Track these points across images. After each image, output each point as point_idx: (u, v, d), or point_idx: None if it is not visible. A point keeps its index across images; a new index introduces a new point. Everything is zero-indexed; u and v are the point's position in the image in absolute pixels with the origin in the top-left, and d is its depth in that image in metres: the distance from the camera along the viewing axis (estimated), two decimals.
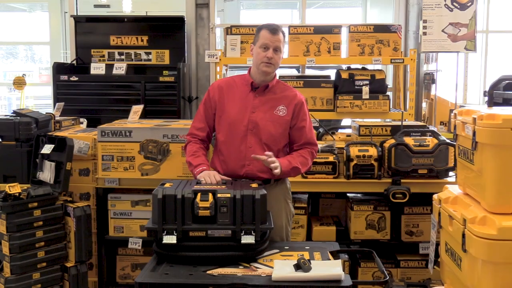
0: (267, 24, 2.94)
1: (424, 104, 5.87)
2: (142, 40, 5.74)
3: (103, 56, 5.76)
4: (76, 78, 5.35)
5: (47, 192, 3.40)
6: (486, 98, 3.78)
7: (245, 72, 3.11)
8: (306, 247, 2.74)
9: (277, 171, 2.83)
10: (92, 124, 4.85)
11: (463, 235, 2.17)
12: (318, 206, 4.32)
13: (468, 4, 5.13)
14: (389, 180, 3.80)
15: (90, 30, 5.88)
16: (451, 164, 3.76)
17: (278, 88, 3.03)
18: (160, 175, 3.68)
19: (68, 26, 6.69)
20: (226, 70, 5.37)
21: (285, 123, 2.97)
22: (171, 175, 3.64)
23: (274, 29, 2.89)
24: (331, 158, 3.86)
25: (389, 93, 4.82)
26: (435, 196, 2.63)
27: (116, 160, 3.71)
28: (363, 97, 4.55)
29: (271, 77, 3.00)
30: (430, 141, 3.78)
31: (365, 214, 3.93)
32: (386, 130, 4.09)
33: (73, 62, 5.79)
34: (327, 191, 4.16)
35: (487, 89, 3.82)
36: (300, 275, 2.28)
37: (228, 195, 2.54)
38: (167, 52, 5.73)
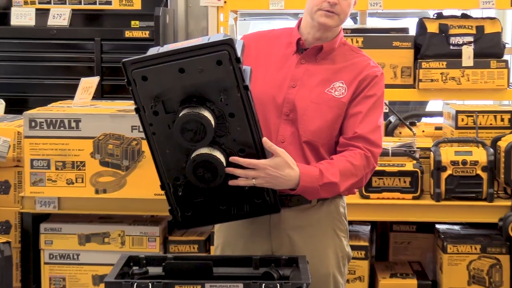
0: None
1: None
2: None
3: None
4: None
5: None
6: None
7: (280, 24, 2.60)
8: None
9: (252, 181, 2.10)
10: (14, 107, 3.99)
11: None
12: (388, 246, 3.56)
13: None
14: (508, 204, 3.08)
15: None
16: None
17: (341, 54, 2.49)
18: (125, 193, 2.86)
19: None
20: (235, 19, 4.20)
21: (339, 108, 2.40)
22: (143, 192, 2.78)
23: None
24: (408, 166, 3.20)
25: (507, 56, 3.78)
26: None
27: (55, 167, 2.92)
28: (464, 64, 3.53)
29: (332, 34, 2.46)
30: None
31: (466, 259, 3.21)
32: (502, 120, 3.31)
33: None
34: (402, 220, 3.41)
35: None
36: None
37: None
38: None
